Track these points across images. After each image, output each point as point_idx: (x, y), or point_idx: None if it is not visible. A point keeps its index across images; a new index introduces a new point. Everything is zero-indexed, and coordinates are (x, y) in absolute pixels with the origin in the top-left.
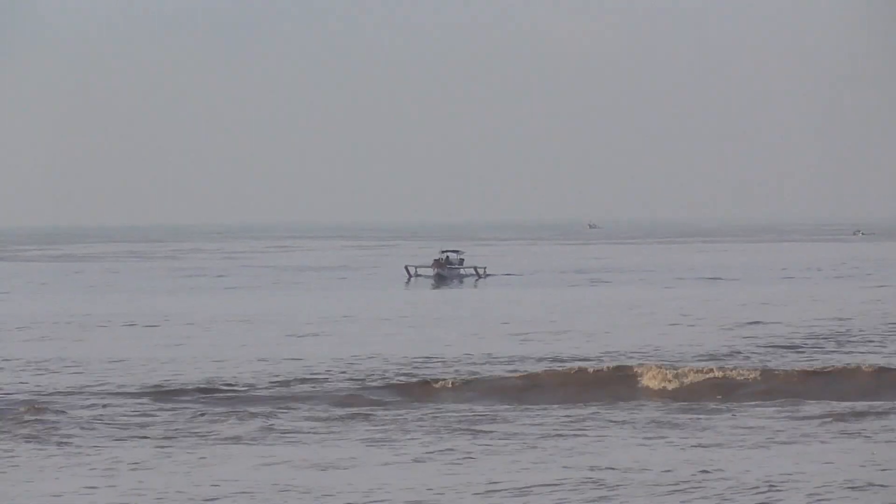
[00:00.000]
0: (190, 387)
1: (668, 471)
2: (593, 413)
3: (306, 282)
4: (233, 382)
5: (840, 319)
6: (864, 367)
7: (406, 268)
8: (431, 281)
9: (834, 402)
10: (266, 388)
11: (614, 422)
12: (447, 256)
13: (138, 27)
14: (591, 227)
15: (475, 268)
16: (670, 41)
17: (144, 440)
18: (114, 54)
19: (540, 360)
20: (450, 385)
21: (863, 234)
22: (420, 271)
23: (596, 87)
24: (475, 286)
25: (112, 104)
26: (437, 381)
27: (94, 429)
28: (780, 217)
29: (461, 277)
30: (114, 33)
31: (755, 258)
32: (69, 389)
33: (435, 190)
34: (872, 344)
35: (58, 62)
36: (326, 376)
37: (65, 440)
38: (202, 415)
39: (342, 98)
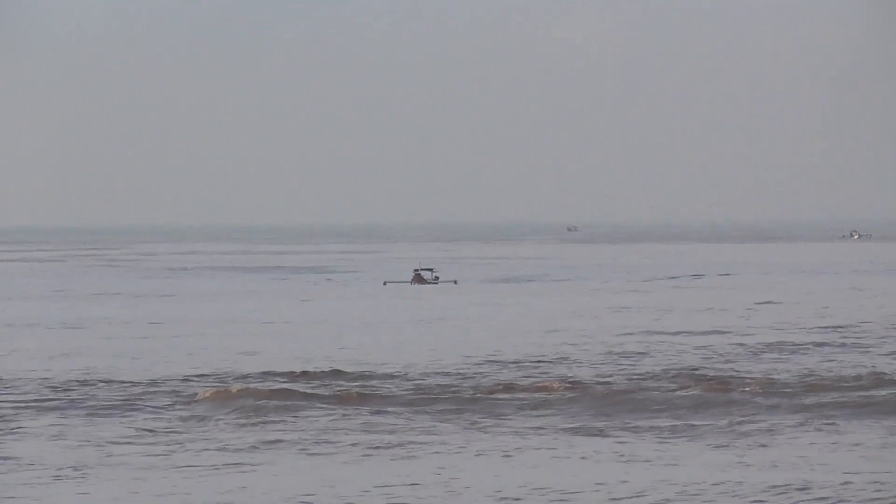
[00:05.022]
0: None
1: None
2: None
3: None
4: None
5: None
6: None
7: (385, 284)
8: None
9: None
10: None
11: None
12: (420, 274)
13: (138, 24)
14: (569, 230)
15: (455, 282)
16: (668, 43)
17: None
18: (114, 52)
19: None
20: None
21: (858, 236)
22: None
23: (588, 92)
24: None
25: (112, 102)
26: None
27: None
28: (781, 219)
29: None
30: (114, 31)
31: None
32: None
33: (415, 191)
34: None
35: (58, 60)
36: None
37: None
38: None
39: (335, 99)
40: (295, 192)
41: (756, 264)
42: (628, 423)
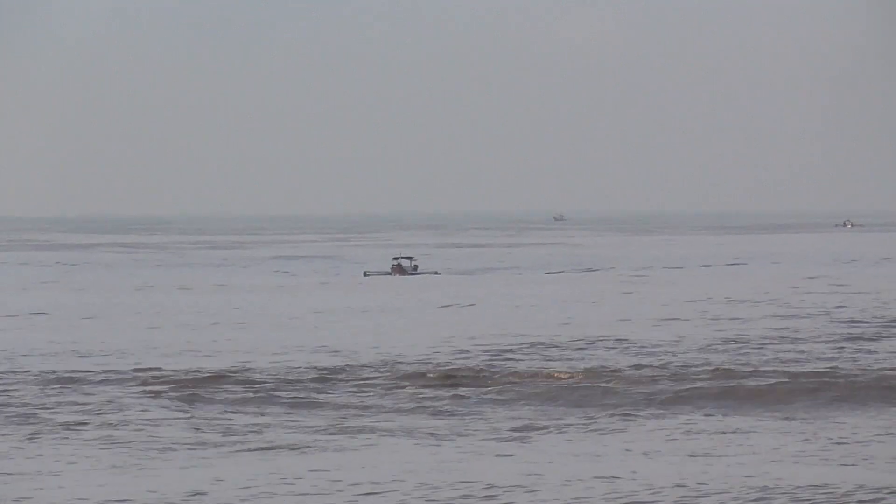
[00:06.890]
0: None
1: None
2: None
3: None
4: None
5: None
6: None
7: (365, 274)
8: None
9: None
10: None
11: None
12: (399, 263)
13: (138, 24)
14: (556, 219)
15: (436, 272)
16: (668, 43)
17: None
18: (114, 52)
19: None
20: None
21: (852, 225)
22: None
23: (588, 91)
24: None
25: (112, 101)
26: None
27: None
28: (778, 209)
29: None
30: (114, 31)
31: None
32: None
33: (406, 181)
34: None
35: (59, 59)
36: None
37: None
38: None
39: (335, 99)
40: (295, 189)
41: (736, 254)
42: (629, 414)
